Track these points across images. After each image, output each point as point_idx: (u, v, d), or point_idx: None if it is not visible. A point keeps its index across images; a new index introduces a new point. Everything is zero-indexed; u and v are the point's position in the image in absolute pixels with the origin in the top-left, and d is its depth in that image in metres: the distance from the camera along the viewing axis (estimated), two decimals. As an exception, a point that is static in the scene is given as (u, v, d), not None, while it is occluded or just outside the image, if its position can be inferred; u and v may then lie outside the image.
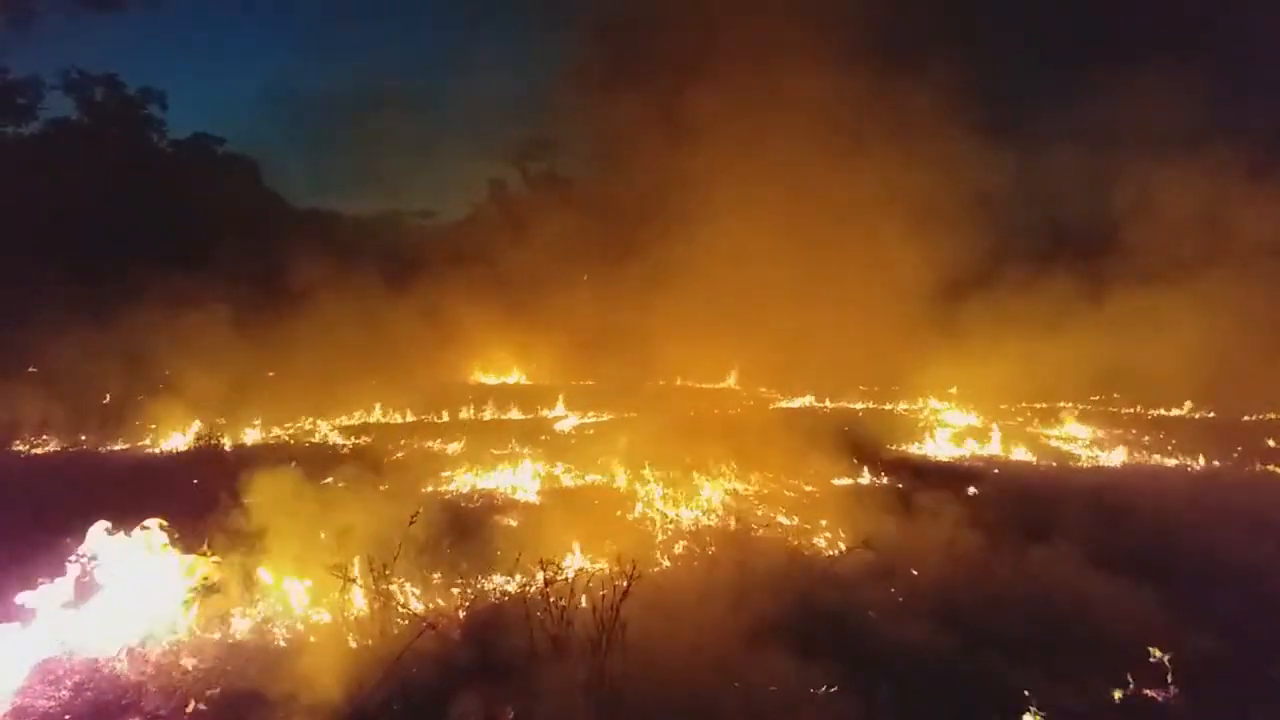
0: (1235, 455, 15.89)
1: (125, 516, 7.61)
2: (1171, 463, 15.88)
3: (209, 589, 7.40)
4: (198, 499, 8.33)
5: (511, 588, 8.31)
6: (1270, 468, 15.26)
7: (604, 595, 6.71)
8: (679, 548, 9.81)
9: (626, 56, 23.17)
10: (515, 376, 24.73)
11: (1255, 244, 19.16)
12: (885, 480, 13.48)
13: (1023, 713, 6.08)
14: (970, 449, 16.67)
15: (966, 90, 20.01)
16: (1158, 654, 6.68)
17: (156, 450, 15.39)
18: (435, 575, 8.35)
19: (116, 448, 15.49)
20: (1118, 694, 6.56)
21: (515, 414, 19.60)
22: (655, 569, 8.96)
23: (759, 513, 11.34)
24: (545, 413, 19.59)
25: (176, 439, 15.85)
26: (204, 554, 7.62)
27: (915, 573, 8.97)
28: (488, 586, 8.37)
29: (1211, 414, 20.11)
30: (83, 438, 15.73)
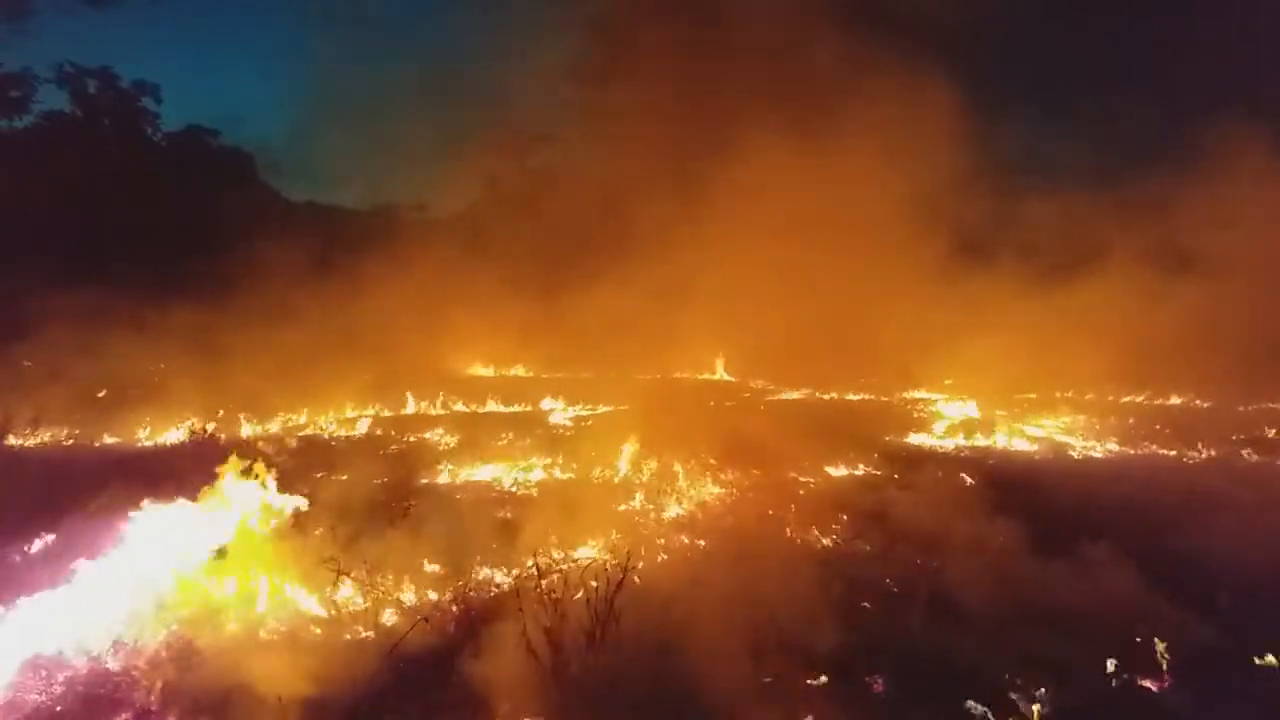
0: (1230, 443, 15.91)
1: (115, 510, 7.58)
2: (1167, 452, 15.89)
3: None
4: (192, 493, 8.26)
5: (506, 580, 8.28)
6: (1264, 457, 15.27)
7: (598, 587, 6.69)
8: (674, 539, 9.79)
9: (620, 51, 23.14)
10: (511, 369, 24.69)
11: (1252, 234, 19.20)
12: (880, 471, 13.46)
13: (1018, 702, 6.08)
14: (965, 439, 16.66)
15: (959, 80, 20.04)
16: (1153, 644, 6.69)
17: (151, 443, 15.34)
18: (429, 568, 8.32)
19: (110, 441, 15.45)
20: (1112, 684, 6.56)
21: (510, 406, 19.57)
22: (650, 561, 8.94)
23: (754, 504, 11.32)
24: (540, 405, 19.56)
25: (171, 432, 15.81)
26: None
27: (910, 563, 8.95)
28: (482, 579, 8.34)
29: (1207, 403, 20.11)
30: (77, 431, 15.67)
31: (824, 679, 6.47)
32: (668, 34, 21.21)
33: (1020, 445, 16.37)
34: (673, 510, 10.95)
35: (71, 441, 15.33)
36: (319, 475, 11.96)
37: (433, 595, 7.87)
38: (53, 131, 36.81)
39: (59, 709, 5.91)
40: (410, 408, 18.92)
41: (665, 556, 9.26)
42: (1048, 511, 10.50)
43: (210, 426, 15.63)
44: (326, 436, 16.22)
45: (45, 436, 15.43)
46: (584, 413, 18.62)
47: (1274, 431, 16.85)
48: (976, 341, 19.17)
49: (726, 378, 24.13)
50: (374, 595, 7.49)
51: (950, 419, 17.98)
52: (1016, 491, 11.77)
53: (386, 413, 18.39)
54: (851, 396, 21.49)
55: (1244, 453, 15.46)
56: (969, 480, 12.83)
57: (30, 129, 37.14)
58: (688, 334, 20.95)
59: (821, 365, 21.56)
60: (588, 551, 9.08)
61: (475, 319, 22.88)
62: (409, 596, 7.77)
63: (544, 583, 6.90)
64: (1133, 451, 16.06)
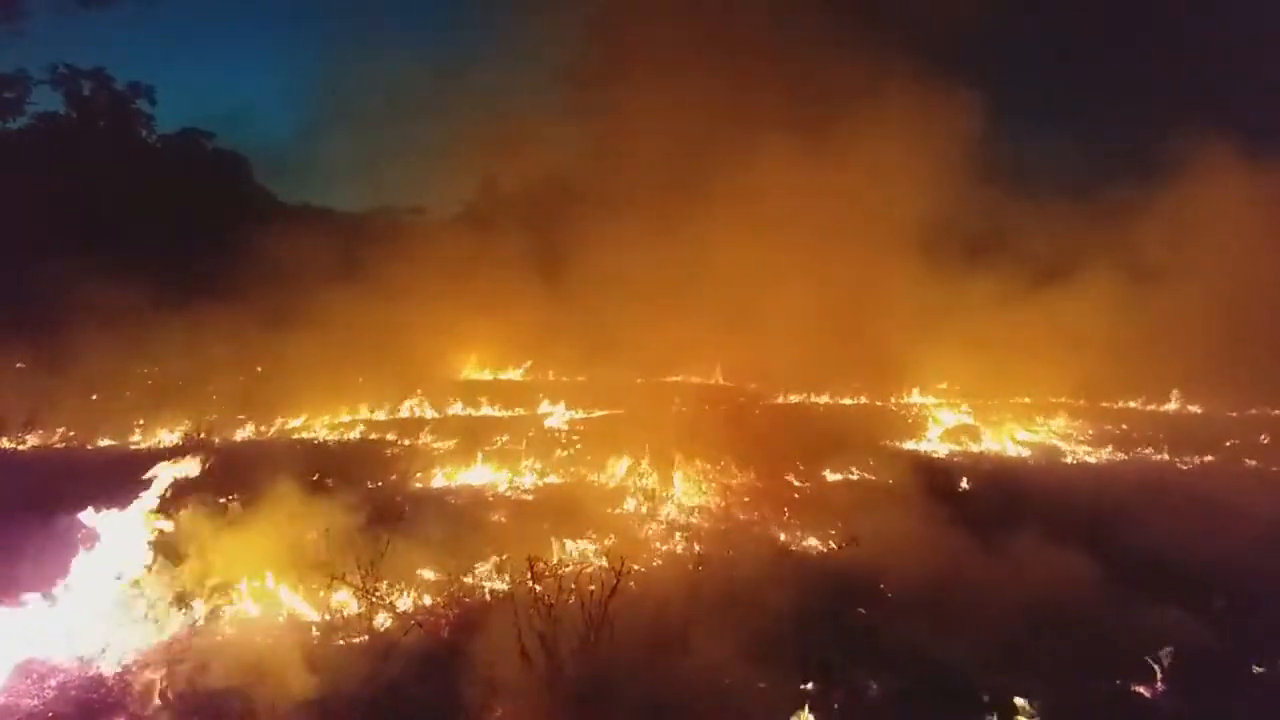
0: (1226, 449, 15.96)
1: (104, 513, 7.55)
2: (1160, 457, 15.94)
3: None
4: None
5: (500, 585, 8.26)
6: (1260, 463, 15.32)
7: (593, 592, 6.68)
8: (669, 545, 9.78)
9: (616, 52, 23.15)
10: (506, 373, 24.61)
11: (1243, 238, 19.27)
12: (876, 476, 13.45)
13: (1013, 709, 6.08)
14: (960, 444, 16.68)
15: (960, 82, 20.09)
16: (1149, 649, 6.70)
17: (144, 446, 15.29)
18: (423, 573, 8.30)
19: (103, 444, 15.39)
20: (1108, 690, 6.57)
21: (505, 410, 19.49)
22: (645, 566, 8.93)
23: (750, 509, 11.31)
24: (535, 409, 19.49)
25: (165, 435, 15.75)
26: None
27: (905, 569, 8.95)
28: (476, 584, 8.32)
29: (1199, 409, 20.13)
30: (71, 433, 15.62)
31: (817, 685, 6.46)
32: (668, 35, 21.19)
33: (1014, 450, 16.38)
34: (667, 514, 10.93)
35: (64, 445, 15.29)
36: (313, 478, 11.93)
37: (426, 600, 7.86)
38: (47, 133, 36.67)
39: (51, 715, 5.88)
40: (405, 411, 18.86)
41: (659, 561, 9.25)
42: (1042, 516, 10.50)
43: (204, 431, 15.59)
44: (321, 440, 16.18)
45: (38, 439, 15.39)
46: (580, 416, 18.57)
47: (1268, 438, 16.88)
48: (971, 346, 19.17)
49: (723, 382, 24.08)
50: (368, 600, 7.46)
51: (945, 424, 18.00)
52: (1011, 496, 11.79)
53: (381, 416, 18.33)
54: (847, 401, 21.47)
55: (1247, 460, 15.53)
56: (964, 484, 12.85)
57: (25, 130, 37.04)
58: (685, 338, 20.91)
59: (817, 369, 21.53)
60: (582, 556, 9.06)
61: (471, 321, 22.81)
62: (403, 601, 7.76)
63: (538, 587, 6.88)
64: (1127, 456, 16.10)
